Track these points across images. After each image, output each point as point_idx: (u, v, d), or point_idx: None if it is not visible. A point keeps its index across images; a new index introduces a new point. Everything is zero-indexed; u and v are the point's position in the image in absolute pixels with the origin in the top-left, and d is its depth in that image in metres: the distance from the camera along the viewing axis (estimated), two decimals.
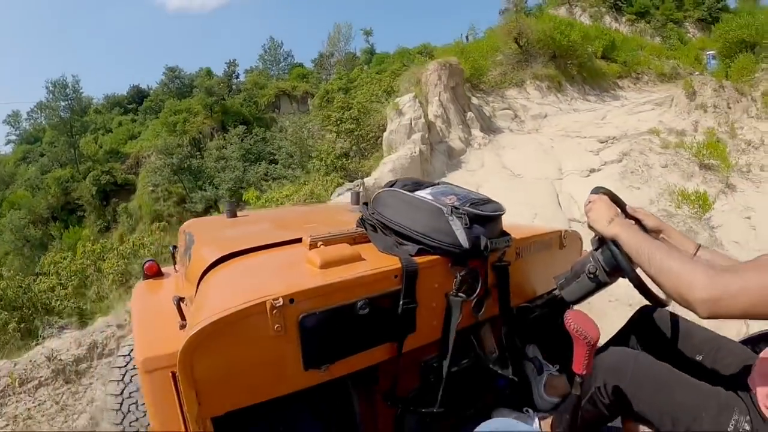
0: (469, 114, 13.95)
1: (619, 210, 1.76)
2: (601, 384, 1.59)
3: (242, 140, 37.07)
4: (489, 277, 1.86)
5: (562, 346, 1.99)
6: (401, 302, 1.58)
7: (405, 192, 1.80)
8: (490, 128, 14.38)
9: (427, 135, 11.82)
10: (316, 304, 1.40)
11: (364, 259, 1.64)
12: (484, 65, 18.22)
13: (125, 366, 2.44)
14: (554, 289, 1.95)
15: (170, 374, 1.43)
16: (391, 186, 1.89)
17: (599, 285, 1.75)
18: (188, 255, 2.21)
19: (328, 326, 1.43)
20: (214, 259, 1.76)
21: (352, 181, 10.93)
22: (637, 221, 1.87)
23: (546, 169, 11.18)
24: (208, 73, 55.68)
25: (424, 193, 1.80)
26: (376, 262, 1.63)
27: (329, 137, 16.61)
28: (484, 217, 1.73)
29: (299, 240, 1.83)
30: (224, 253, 1.78)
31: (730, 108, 14.44)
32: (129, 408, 2.33)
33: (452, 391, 1.80)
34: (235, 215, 2.79)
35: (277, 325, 1.32)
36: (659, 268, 1.39)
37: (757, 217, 8.69)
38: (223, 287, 1.57)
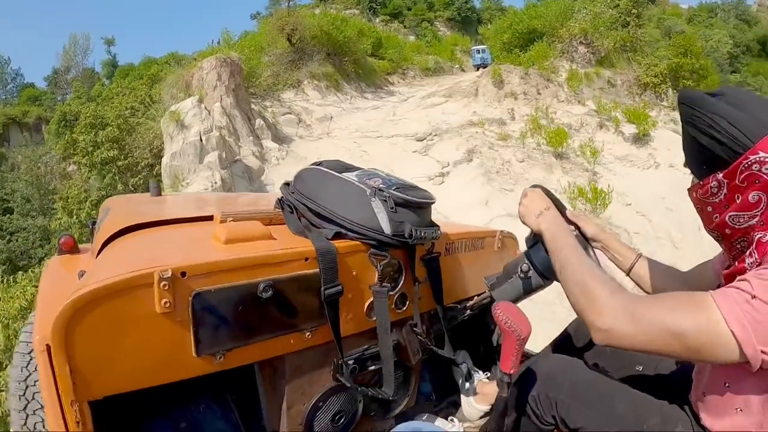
0: (258, 122, 11.56)
1: (551, 204, 1.58)
2: (536, 393, 1.54)
3: None
4: (417, 270, 1.77)
5: (492, 352, 2.04)
6: (322, 288, 1.48)
7: (328, 170, 1.69)
8: (279, 137, 12.49)
9: (223, 154, 9.14)
10: (212, 281, 1.28)
11: (274, 239, 1.53)
12: (256, 65, 16.44)
13: (28, 353, 2.19)
14: (483, 293, 1.91)
15: (46, 346, 1.14)
16: (317, 165, 1.75)
17: (533, 286, 1.68)
18: (99, 226, 2.11)
19: (224, 308, 1.31)
20: (117, 229, 1.63)
21: None
22: (577, 227, 1.79)
23: None
24: None
25: (350, 175, 1.67)
26: (288, 243, 1.52)
27: (80, 174, 12.60)
28: (410, 202, 1.61)
29: (212, 218, 1.72)
30: (129, 224, 1.66)
31: (540, 94, 15.05)
32: (33, 395, 2.11)
33: (369, 394, 1.72)
34: (159, 194, 2.71)
35: (165, 301, 1.19)
36: (570, 277, 1.33)
37: (636, 203, 8.55)
38: (119, 257, 1.46)
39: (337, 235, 1.58)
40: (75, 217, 11.31)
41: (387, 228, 1.55)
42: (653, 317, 1.13)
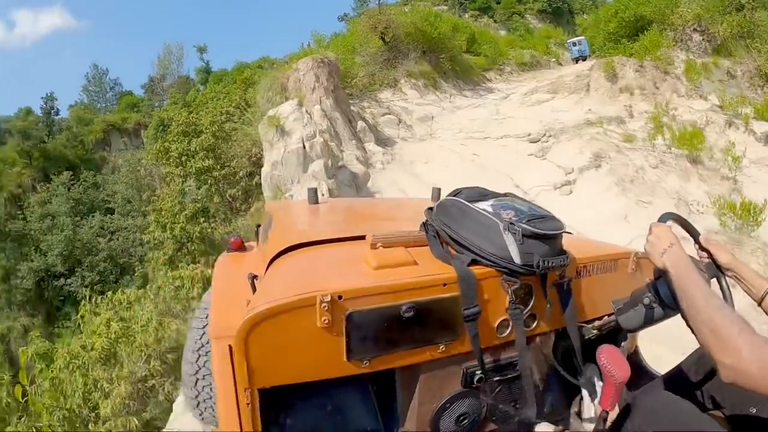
0: (360, 124, 10.79)
1: (677, 240, 1.58)
2: (637, 428, 1.59)
3: (69, 189, 31.65)
4: (548, 293, 1.83)
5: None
6: (462, 308, 1.62)
7: (465, 202, 1.81)
8: (381, 140, 11.74)
9: (329, 162, 8.36)
10: (363, 303, 1.48)
11: (417, 264, 1.69)
12: (350, 66, 15.97)
13: (203, 327, 2.62)
14: (612, 314, 1.94)
15: (228, 346, 1.55)
16: (456, 195, 1.89)
17: (656, 317, 1.74)
18: (265, 237, 2.46)
19: (372, 324, 1.51)
20: (284, 247, 1.91)
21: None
22: (709, 254, 1.84)
23: (498, 187, 8.42)
24: (28, 113, 48.67)
25: (485, 205, 1.80)
26: (429, 268, 1.68)
27: (174, 184, 11.93)
28: (539, 234, 1.68)
29: (363, 237, 1.88)
30: (293, 243, 1.93)
31: (657, 88, 13.70)
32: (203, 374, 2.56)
33: (494, 400, 1.89)
34: (316, 202, 3.04)
35: (324, 318, 1.41)
36: (697, 317, 1.35)
37: None
38: (285, 275, 1.74)
39: (473, 262, 1.69)
40: (169, 231, 10.52)
41: (517, 258, 1.63)
42: None
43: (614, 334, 2.21)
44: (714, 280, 1.80)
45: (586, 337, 2.02)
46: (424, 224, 1.92)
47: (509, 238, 1.64)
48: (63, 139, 42.27)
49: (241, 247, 2.98)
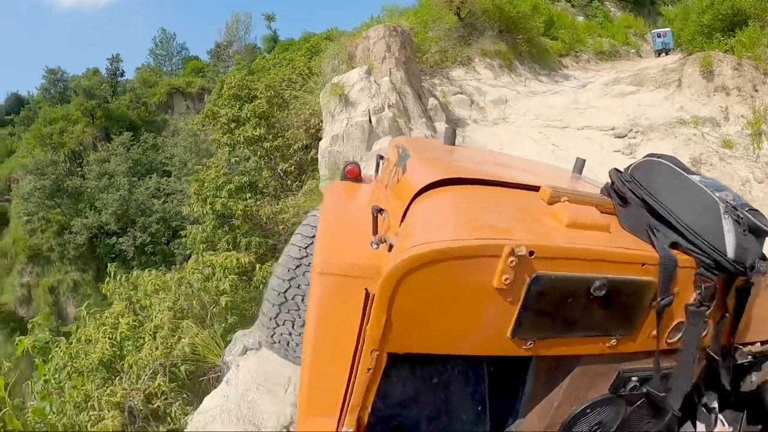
0: (431, 101, 9.88)
1: None
2: None
3: (129, 150, 32.36)
4: (729, 300, 1.59)
5: (741, 402, 1.87)
6: (659, 298, 1.42)
7: (678, 169, 1.61)
8: (451, 120, 10.90)
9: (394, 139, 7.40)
10: (555, 267, 1.27)
11: (611, 233, 1.49)
12: (423, 40, 15.27)
13: (300, 258, 2.42)
14: None
15: (364, 290, 1.34)
16: (659, 158, 1.68)
17: None
18: (402, 167, 2.04)
19: (556, 296, 1.32)
20: (434, 179, 1.63)
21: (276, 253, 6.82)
22: None
23: None
24: (95, 73, 50.45)
25: (697, 179, 1.58)
26: (625, 241, 1.48)
27: (219, 154, 11.10)
28: (761, 230, 1.50)
29: (536, 188, 1.65)
30: (448, 176, 1.65)
31: (757, 91, 12.28)
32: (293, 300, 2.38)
33: (631, 413, 1.67)
34: (453, 143, 2.73)
35: (506, 277, 1.22)
36: None
37: None
38: (447, 214, 1.51)
39: (673, 244, 1.47)
40: (209, 206, 9.49)
41: (731, 251, 1.43)
42: None
43: (755, 366, 1.88)
44: None
45: (738, 361, 1.77)
46: (610, 187, 1.72)
47: (729, 225, 1.44)
48: (126, 100, 43.30)
49: (357, 177, 2.68)
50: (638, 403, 1.64)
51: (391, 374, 1.49)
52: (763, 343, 1.81)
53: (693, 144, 9.03)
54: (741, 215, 1.46)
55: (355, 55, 9.95)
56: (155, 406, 4.05)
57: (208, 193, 9.37)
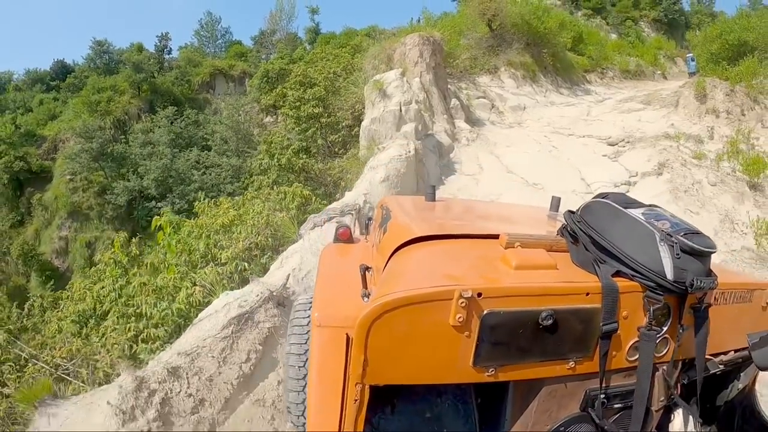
0: (453, 101, 11.62)
1: None
2: None
3: (172, 123, 33.52)
4: (684, 317, 1.69)
5: (716, 411, 1.97)
6: (601, 324, 1.53)
7: (619, 207, 1.74)
8: (471, 119, 12.49)
9: (419, 126, 9.29)
10: (502, 303, 1.41)
11: (558, 270, 1.61)
12: (455, 47, 16.62)
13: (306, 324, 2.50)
14: (745, 348, 1.83)
15: (345, 335, 1.55)
16: (604, 198, 1.82)
17: None
18: (384, 228, 2.30)
19: (508, 328, 1.44)
20: (409, 238, 1.84)
21: (328, 195, 8.82)
22: None
23: (565, 178, 9.64)
24: (140, 48, 51.05)
25: (637, 213, 1.71)
26: (571, 275, 1.61)
27: (285, 124, 13.74)
28: (695, 250, 1.59)
29: (496, 236, 1.80)
30: (420, 234, 1.86)
31: (744, 115, 13.59)
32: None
33: (609, 428, 1.73)
34: (434, 199, 2.93)
35: (459, 316, 1.36)
36: None
37: None
38: (415, 267, 1.66)
39: (617, 273, 1.61)
40: (276, 160, 12.42)
41: (670, 274, 1.55)
42: None
43: (733, 373, 2.12)
44: None
45: (711, 372, 1.92)
46: (564, 228, 1.89)
47: (665, 251, 1.58)
48: (172, 77, 44.10)
49: (349, 239, 2.99)
50: (616, 417, 1.76)
51: (387, 410, 1.70)
52: (736, 351, 1.94)
53: (665, 153, 10.24)
54: (675, 240, 1.57)
55: (393, 57, 11.70)
56: (253, 254, 6.13)
57: (274, 151, 11.85)
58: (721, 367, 1.92)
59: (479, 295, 1.37)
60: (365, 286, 1.95)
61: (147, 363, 3.87)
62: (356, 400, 1.39)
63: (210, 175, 26.93)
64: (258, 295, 4.11)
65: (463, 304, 1.35)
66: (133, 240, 7.77)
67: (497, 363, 1.47)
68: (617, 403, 1.73)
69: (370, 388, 1.39)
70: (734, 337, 1.95)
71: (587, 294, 1.53)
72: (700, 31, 37.24)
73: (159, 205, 27.20)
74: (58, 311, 7.10)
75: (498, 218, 2.87)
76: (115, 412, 3.00)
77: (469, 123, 11.75)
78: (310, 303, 2.51)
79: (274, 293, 4.21)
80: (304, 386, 2.30)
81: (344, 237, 2.98)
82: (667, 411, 1.90)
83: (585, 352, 1.59)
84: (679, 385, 1.92)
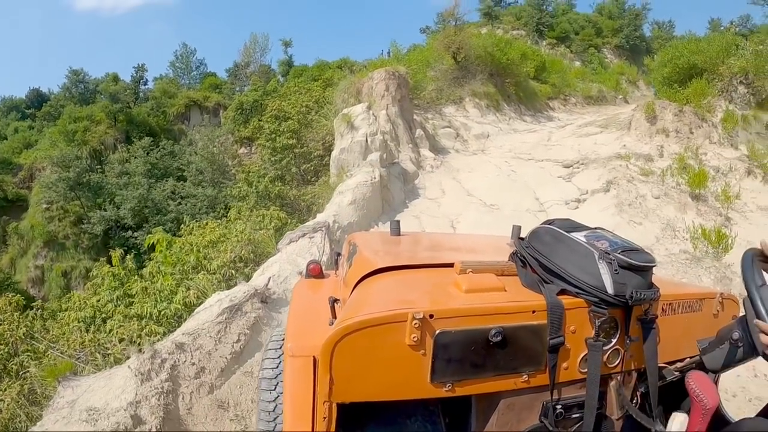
0: (418, 131, 12.39)
1: None
2: None
3: (148, 153, 33.75)
4: (631, 329, 1.80)
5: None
6: (548, 338, 1.62)
7: (561, 231, 1.84)
8: (436, 148, 13.18)
9: (384, 155, 10.11)
10: (453, 324, 1.50)
11: (506, 291, 1.72)
12: (422, 79, 17.21)
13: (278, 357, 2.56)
14: (697, 355, 1.90)
15: (312, 358, 1.66)
16: (550, 224, 1.92)
17: (743, 356, 1.70)
18: (350, 262, 2.43)
19: (460, 346, 1.52)
20: (371, 270, 1.97)
21: (301, 217, 9.62)
22: None
23: (520, 198, 10.23)
24: (115, 78, 51.63)
25: (579, 235, 1.81)
26: (518, 295, 1.72)
27: (261, 154, 14.76)
28: (633, 266, 1.69)
29: (451, 265, 1.90)
30: (382, 266, 1.99)
31: (692, 133, 14.36)
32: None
33: None
34: (398, 233, 3.03)
35: (414, 336, 1.45)
36: None
37: None
38: (375, 294, 1.79)
39: (563, 291, 1.73)
40: (254, 187, 13.46)
41: (610, 288, 1.66)
42: None
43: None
44: None
45: (668, 380, 2.01)
46: (514, 254, 1.99)
47: (604, 268, 1.68)
48: (148, 108, 44.28)
49: (319, 274, 3.09)
50: (576, 427, 1.82)
51: (358, 429, 1.74)
52: (691, 357, 2.01)
53: (614, 172, 10.93)
54: (613, 257, 1.68)
55: (362, 91, 12.48)
56: (238, 265, 7.01)
57: (252, 179, 12.84)
58: (677, 373, 2.01)
59: (431, 316, 1.47)
60: (334, 316, 2.05)
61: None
62: (325, 418, 1.47)
63: (186, 205, 27.09)
64: (245, 293, 4.88)
65: (417, 325, 1.44)
66: (129, 256, 8.47)
67: (453, 378, 1.54)
68: (575, 413, 1.80)
69: (337, 406, 1.47)
70: (688, 344, 2.03)
71: (533, 312, 1.63)
72: (656, 56, 38.42)
73: (135, 234, 27.25)
74: (60, 319, 7.78)
75: (458, 248, 3.01)
76: (135, 374, 3.67)
77: (433, 151, 12.48)
78: (283, 336, 2.62)
79: (258, 291, 5.01)
80: (275, 408, 2.42)
81: (315, 273, 3.09)
82: (630, 419, 1.96)
83: (537, 366, 1.67)
84: (637, 393, 2.01)
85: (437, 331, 1.48)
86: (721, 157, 13.03)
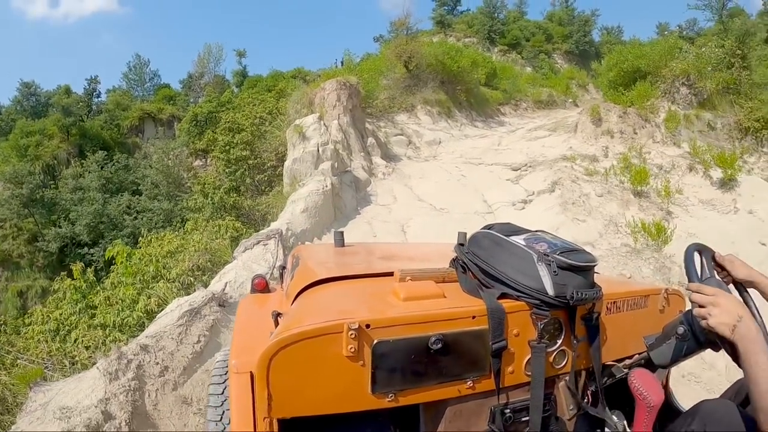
0: (369, 140, 12.73)
1: (746, 311, 1.49)
2: (697, 428, 1.58)
3: (102, 168, 33.08)
4: (576, 329, 1.80)
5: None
6: (490, 342, 1.60)
7: (500, 235, 1.83)
8: (388, 155, 13.50)
9: (335, 164, 10.37)
10: (390, 333, 1.47)
11: (446, 297, 1.69)
12: (374, 88, 17.54)
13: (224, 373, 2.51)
14: (644, 351, 1.89)
15: (249, 373, 1.55)
16: (489, 228, 1.91)
17: (690, 350, 1.70)
18: (292, 275, 2.46)
19: (399, 355, 1.49)
20: (311, 281, 1.97)
21: (256, 227, 9.75)
22: (724, 269, 1.82)
23: (469, 201, 10.58)
24: (67, 91, 50.20)
25: (518, 239, 1.80)
26: (458, 301, 1.69)
27: (215, 166, 14.99)
28: (573, 266, 1.68)
29: (392, 274, 1.88)
30: (321, 277, 1.98)
31: (636, 134, 14.91)
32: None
33: None
34: (342, 245, 3.05)
35: (351, 347, 1.41)
36: (759, 401, 1.32)
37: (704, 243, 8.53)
38: (313, 306, 1.76)
39: (504, 295, 1.71)
40: (209, 198, 13.79)
41: (550, 290, 1.66)
42: None
43: None
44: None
45: (617, 377, 1.99)
46: (454, 260, 1.98)
47: (543, 270, 1.67)
48: (101, 121, 43.45)
49: (264, 289, 3.02)
50: (527, 430, 1.76)
51: None
52: (640, 354, 1.99)
53: (560, 173, 11.34)
54: (552, 259, 1.66)
55: (314, 102, 12.78)
56: (196, 274, 7.22)
57: (208, 191, 13.10)
58: (626, 371, 1.98)
59: (368, 326, 1.44)
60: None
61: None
62: None
63: (142, 219, 26.65)
64: (203, 297, 5.12)
65: (353, 336, 1.41)
66: (89, 269, 8.59)
67: (395, 388, 1.51)
68: (525, 417, 1.77)
69: (279, 422, 1.43)
70: (636, 341, 2.02)
71: (473, 317, 1.61)
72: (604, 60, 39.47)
73: (91, 251, 26.73)
74: (24, 334, 7.91)
75: (401, 257, 2.96)
76: (103, 374, 3.88)
77: (385, 159, 12.81)
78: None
79: (216, 296, 5.25)
80: (219, 421, 2.38)
81: (260, 287, 3.02)
82: (583, 418, 1.95)
83: (481, 371, 1.65)
84: (588, 393, 1.97)
85: (375, 341, 1.46)
86: (664, 155, 13.55)
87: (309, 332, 1.40)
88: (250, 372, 1.53)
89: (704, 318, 1.52)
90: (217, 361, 2.66)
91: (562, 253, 1.70)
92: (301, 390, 1.42)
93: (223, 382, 2.46)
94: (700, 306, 1.55)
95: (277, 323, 1.90)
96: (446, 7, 53.35)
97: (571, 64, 47.86)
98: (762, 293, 1.78)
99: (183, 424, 4.08)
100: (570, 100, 31.35)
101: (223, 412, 2.38)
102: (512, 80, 27.95)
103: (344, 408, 1.47)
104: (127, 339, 5.86)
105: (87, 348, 6.08)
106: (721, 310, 1.49)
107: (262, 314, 2.28)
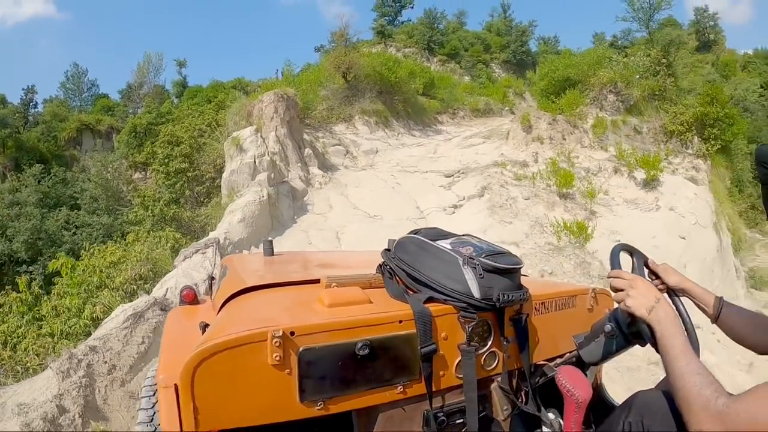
0: (306, 150, 13.10)
1: (662, 295, 1.57)
2: (631, 420, 1.59)
3: (39, 182, 32.28)
4: (506, 330, 1.83)
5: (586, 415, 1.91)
6: (419, 347, 1.61)
7: (425, 240, 1.83)
8: (325, 165, 13.81)
9: (272, 175, 10.75)
10: (316, 340, 1.46)
11: (372, 303, 1.69)
12: (313, 99, 17.83)
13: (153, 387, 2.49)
14: (574, 350, 1.92)
15: (173, 386, 1.46)
16: (415, 234, 1.91)
17: (618, 347, 1.73)
18: (218, 286, 2.48)
19: (326, 362, 1.48)
20: (237, 290, 1.95)
21: (195, 237, 10.03)
22: (657, 276, 1.87)
23: (402, 208, 11.03)
24: (2, 101, 48.21)
25: (444, 243, 1.81)
26: (384, 306, 1.68)
27: (155, 179, 15.18)
28: (498, 269, 1.70)
29: (318, 281, 1.90)
30: (247, 285, 1.97)
31: (565, 139, 15.67)
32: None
33: None
34: (272, 254, 3.07)
35: (276, 355, 1.40)
36: (675, 381, 1.35)
37: (625, 239, 9.27)
38: (238, 314, 1.74)
39: (430, 299, 1.72)
40: (150, 211, 14.09)
41: (476, 293, 1.67)
42: (746, 416, 1.15)
43: None
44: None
45: (549, 376, 1.97)
46: (381, 265, 1.96)
47: (469, 273, 1.67)
48: (38, 132, 42.38)
49: (193, 300, 2.95)
50: None
51: None
52: (570, 352, 2.00)
53: (490, 178, 11.94)
54: (477, 262, 1.68)
55: (252, 113, 13.06)
56: (138, 282, 7.53)
57: (148, 203, 13.45)
58: (557, 369, 1.96)
59: (292, 333, 1.42)
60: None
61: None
62: None
63: (81, 234, 26.12)
64: (146, 302, 5.49)
65: (278, 344, 1.39)
66: (34, 282, 8.94)
67: (324, 396, 1.49)
68: (459, 419, 1.77)
69: None
70: (566, 340, 2.03)
71: (400, 322, 1.61)
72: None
73: (30, 269, 26.04)
74: None
75: (330, 265, 2.97)
76: (56, 373, 4.25)
77: (323, 169, 13.14)
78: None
79: (158, 300, 5.63)
80: None
81: (188, 299, 2.94)
82: (518, 418, 1.98)
83: (411, 376, 1.64)
84: (522, 393, 1.97)
85: (300, 348, 1.44)
86: (592, 158, 14.48)
87: (232, 341, 1.37)
88: (174, 385, 1.47)
89: (622, 300, 1.58)
90: (147, 378, 2.64)
91: (487, 256, 1.73)
92: (228, 401, 1.38)
93: (153, 398, 2.43)
94: (619, 290, 1.61)
95: (204, 334, 1.85)
96: (387, 18, 53.94)
97: (509, 74, 48.97)
98: (693, 300, 1.84)
99: (131, 417, 4.43)
100: (507, 109, 31.93)
101: (155, 429, 2.36)
102: (450, 89, 28.40)
103: (273, 418, 1.45)
104: (75, 345, 6.21)
105: (38, 355, 6.36)
106: (639, 292, 1.54)
107: (190, 326, 2.26)
